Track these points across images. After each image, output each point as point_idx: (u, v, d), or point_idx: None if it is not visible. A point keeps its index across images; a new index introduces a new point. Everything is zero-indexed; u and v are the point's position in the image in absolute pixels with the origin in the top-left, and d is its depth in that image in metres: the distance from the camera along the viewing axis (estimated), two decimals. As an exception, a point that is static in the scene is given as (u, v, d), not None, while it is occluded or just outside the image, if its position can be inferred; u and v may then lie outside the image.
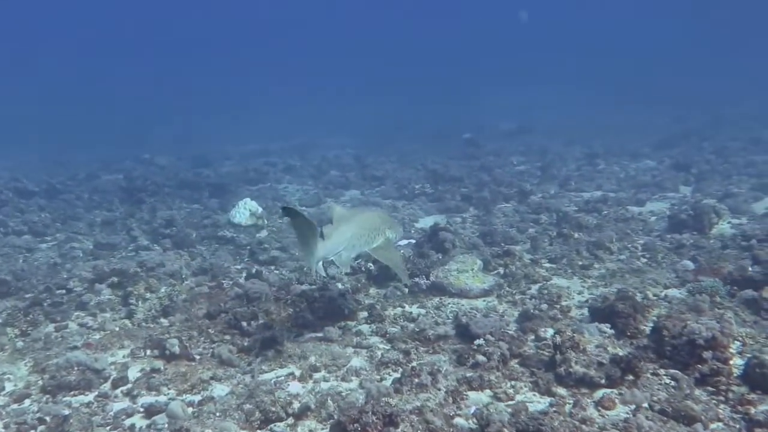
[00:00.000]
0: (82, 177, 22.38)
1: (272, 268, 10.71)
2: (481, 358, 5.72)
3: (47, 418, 5.70)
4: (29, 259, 12.01)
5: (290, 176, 21.58)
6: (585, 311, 7.22)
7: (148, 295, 8.70)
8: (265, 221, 13.95)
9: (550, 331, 6.50)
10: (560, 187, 15.98)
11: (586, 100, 43.29)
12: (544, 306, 6.97)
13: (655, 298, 7.39)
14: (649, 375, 5.17)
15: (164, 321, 8.23)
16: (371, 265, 9.32)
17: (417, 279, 8.57)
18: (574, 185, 15.74)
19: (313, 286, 8.60)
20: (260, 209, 13.95)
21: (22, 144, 36.25)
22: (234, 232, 13.16)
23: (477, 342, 5.98)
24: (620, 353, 5.26)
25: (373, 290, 9.00)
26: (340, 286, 8.55)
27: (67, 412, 5.78)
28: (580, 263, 9.14)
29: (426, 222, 13.52)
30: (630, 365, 5.07)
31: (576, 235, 10.16)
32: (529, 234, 11.33)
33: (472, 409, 5.04)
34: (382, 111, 46.70)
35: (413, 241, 11.21)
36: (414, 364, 6.00)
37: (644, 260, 9.15)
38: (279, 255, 11.06)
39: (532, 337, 6.51)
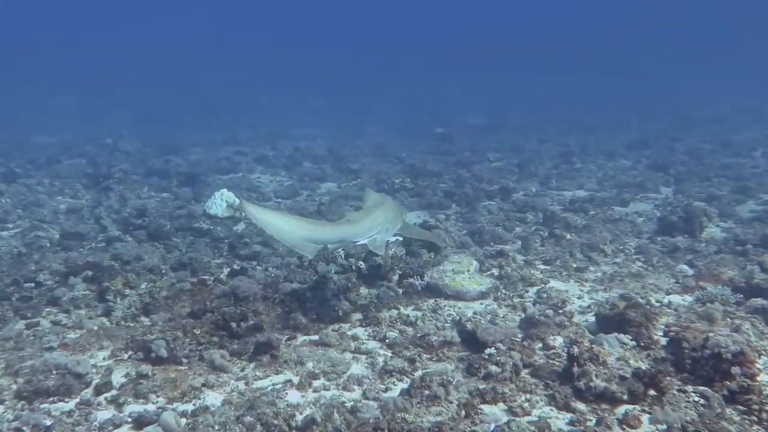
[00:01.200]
0: (43, 161, 21.32)
1: (254, 263, 10.30)
2: (493, 368, 5.49)
3: (26, 429, 5.23)
4: (-11, 249, 11.29)
5: (262, 167, 21.03)
6: (588, 317, 7.08)
7: (127, 291, 8.20)
8: (243, 213, 13.45)
9: (559, 340, 6.32)
10: (541, 185, 15.93)
11: (553, 97, 43.67)
12: (550, 312, 6.78)
13: (658, 304, 7.29)
14: (675, 392, 5.01)
15: (145, 320, 7.76)
16: (361, 263, 9.01)
17: (411, 279, 8.30)
18: (555, 183, 15.69)
19: (304, 285, 8.24)
20: (237, 200, 13.42)
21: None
22: (210, 224, 12.65)
23: (488, 351, 5.73)
24: (643, 367, 5.08)
25: (363, 290, 8.68)
26: (332, 285, 8.21)
27: (48, 422, 5.32)
28: (575, 265, 9.02)
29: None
30: (654, 380, 4.90)
31: (568, 236, 10.05)
32: (517, 233, 11.19)
33: (492, 426, 4.79)
34: (347, 103, 46.31)
35: (400, 238, 10.92)
36: (421, 373, 5.74)
37: (639, 264, 9.07)
38: (261, 250, 10.63)
39: (539, 345, 6.31)
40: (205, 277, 9.34)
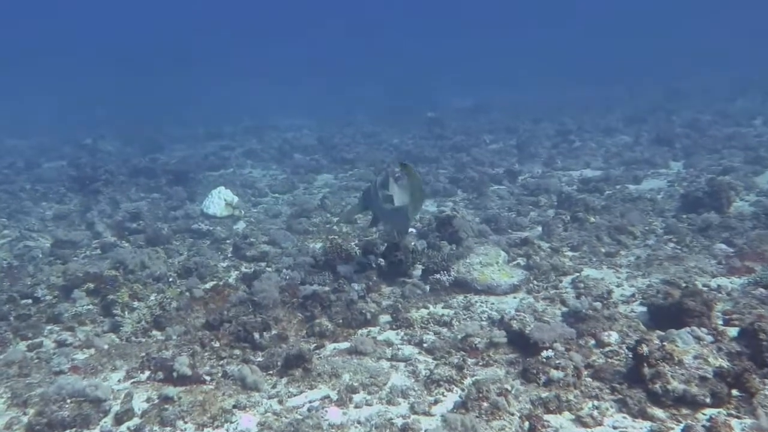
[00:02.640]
0: (22, 165, 20.45)
1: (262, 264, 9.77)
2: (555, 373, 5.04)
3: (44, 471, 4.71)
4: (-23, 262, 10.61)
5: (252, 160, 20.37)
6: (633, 307, 6.68)
7: (135, 303, 7.65)
8: (242, 211, 12.90)
9: (614, 335, 5.91)
10: (545, 165, 15.53)
11: (535, 77, 43.30)
12: (597, 304, 6.36)
13: (706, 289, 6.90)
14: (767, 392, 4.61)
15: (157, 334, 7.22)
16: (381, 260, 8.52)
17: (438, 275, 7.83)
18: (560, 164, 15.30)
19: (325, 288, 7.73)
20: (236, 198, 12.88)
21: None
22: (209, 224, 12.08)
23: (545, 354, 5.29)
24: (725, 365, 4.67)
25: (385, 288, 8.22)
26: (356, 286, 7.71)
27: (70, 461, 4.80)
28: (604, 250, 8.62)
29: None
30: (739, 380, 4.50)
31: (592, 219, 9.63)
32: (534, 218, 10.78)
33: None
34: (329, 91, 45.50)
35: (413, 230, 10.46)
36: (471, 381, 5.30)
37: (672, 245, 8.69)
38: (269, 250, 10.10)
39: (592, 342, 5.89)
40: (216, 283, 8.80)
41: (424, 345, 6.27)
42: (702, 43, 50.90)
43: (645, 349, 4.82)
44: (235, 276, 9.28)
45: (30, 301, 8.15)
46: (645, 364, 4.78)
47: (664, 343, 4.86)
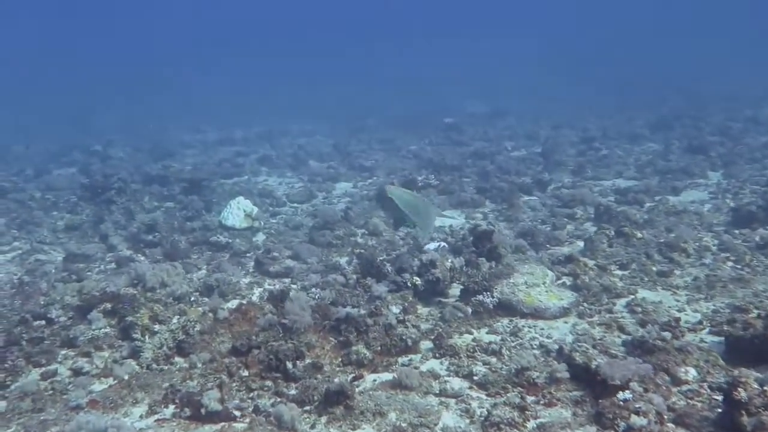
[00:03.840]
0: (31, 173, 20.02)
1: (286, 281, 9.25)
2: (637, 420, 4.44)
3: None
4: (-14, 277, 10.13)
5: (266, 167, 19.87)
6: (701, 335, 6.10)
7: (156, 326, 7.11)
8: (261, 222, 12.38)
9: (692, 372, 5.32)
10: (574, 175, 14.94)
11: (551, 82, 42.69)
12: (666, 334, 5.78)
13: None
14: None
15: (180, 361, 6.68)
16: (417, 279, 7.97)
17: (481, 297, 7.26)
18: (590, 173, 14.70)
19: (362, 311, 7.18)
20: (255, 209, 12.35)
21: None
22: (228, 236, 11.55)
23: (623, 396, 4.71)
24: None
25: (422, 309, 7.68)
26: (395, 309, 7.16)
27: None
28: (655, 269, 8.03)
29: (444, 219, 12.23)
30: None
31: (639, 234, 9.05)
32: (571, 232, 10.21)
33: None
34: (338, 97, 45.01)
35: (443, 244, 9.91)
36: (535, 423, 4.74)
37: (731, 264, 8.09)
38: (294, 265, 9.56)
39: (667, 378, 5.30)
40: (240, 302, 8.26)
41: (475, 378, 5.70)
42: (718, 47, 50.17)
43: (742, 393, 4.24)
44: (258, 294, 8.77)
45: (43, 322, 7.63)
46: (743, 412, 4.20)
47: (766, 388, 4.29)
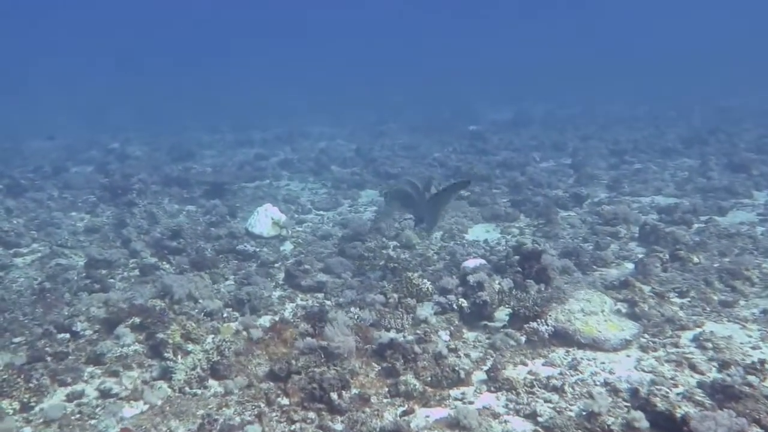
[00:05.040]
0: (49, 170, 19.70)
1: (319, 296, 8.81)
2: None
3: None
4: (5, 281, 9.76)
5: (287, 171, 19.47)
6: (784, 378, 5.59)
7: (189, 346, 6.69)
8: (289, 231, 11.96)
9: (786, 424, 4.82)
10: (610, 189, 14.42)
11: (570, 93, 42.19)
12: (753, 378, 5.28)
13: None
14: None
15: (215, 385, 6.25)
16: (463, 300, 7.51)
17: (535, 324, 6.78)
18: (627, 188, 14.17)
19: (408, 336, 6.73)
20: (283, 217, 11.93)
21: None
22: (256, 244, 11.14)
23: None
24: None
25: (468, 334, 7.21)
26: (445, 336, 6.70)
27: None
28: (717, 298, 7.52)
29: (477, 233, 11.78)
30: None
31: (696, 259, 8.54)
32: (616, 252, 9.72)
33: None
34: (357, 100, 44.70)
35: (483, 261, 9.41)
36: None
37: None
38: (327, 280, 9.11)
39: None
40: (273, 319, 7.84)
41: (539, 419, 5.22)
42: (744, 61, 49.50)
43: None
44: (290, 309, 8.33)
45: (67, 335, 7.24)
46: None
47: None
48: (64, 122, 36.86)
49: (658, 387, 5.26)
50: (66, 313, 7.74)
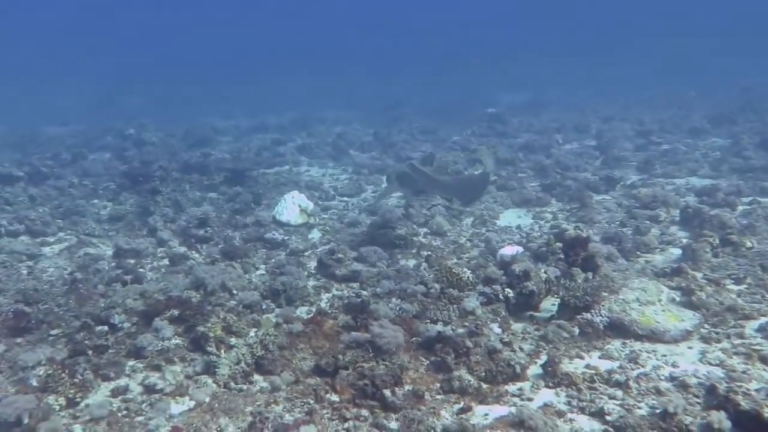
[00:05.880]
0: (68, 157, 19.49)
1: (354, 286, 8.59)
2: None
3: None
4: (36, 272, 9.60)
5: (306, 157, 19.21)
6: None
7: (232, 339, 6.50)
8: (317, 218, 11.73)
9: None
10: (641, 171, 14.09)
11: (584, 73, 41.56)
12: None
13: None
14: None
15: (260, 380, 6.06)
16: (509, 291, 7.27)
17: (589, 315, 6.54)
18: (660, 170, 13.83)
19: (456, 329, 6.51)
20: (310, 204, 11.71)
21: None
22: (284, 232, 10.93)
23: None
24: None
25: (515, 325, 6.98)
26: (496, 328, 6.48)
27: None
28: (774, 285, 7.25)
29: (508, 218, 11.52)
30: None
31: (749, 243, 8.24)
32: (657, 237, 9.43)
33: None
34: (369, 84, 44.22)
35: (521, 249, 9.13)
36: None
37: None
38: (361, 269, 8.88)
39: None
40: (309, 310, 7.66)
41: (608, 418, 4.99)
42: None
43: None
44: (327, 300, 8.13)
45: (105, 328, 7.06)
46: None
47: None
48: (78, 108, 36.59)
49: (738, 383, 5.01)
50: (102, 305, 7.55)
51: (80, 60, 58.87)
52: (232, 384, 5.97)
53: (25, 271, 9.57)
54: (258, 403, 5.62)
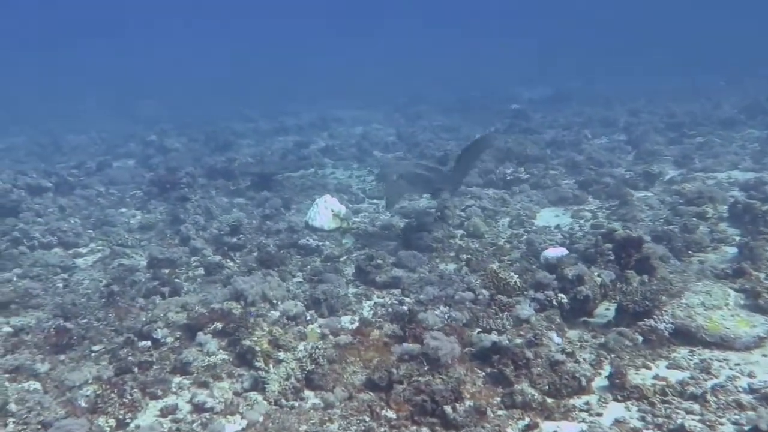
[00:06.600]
0: (93, 166, 19.44)
1: (395, 293, 8.35)
2: None
3: None
4: (71, 284, 9.47)
5: (330, 159, 19.01)
6: None
7: (280, 354, 6.28)
8: (350, 223, 11.51)
9: None
10: (678, 166, 13.70)
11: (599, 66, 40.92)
12: None
13: None
14: None
15: (311, 395, 5.85)
16: (562, 296, 6.99)
17: (652, 321, 6.24)
18: (698, 164, 13.44)
19: (513, 339, 6.24)
20: (343, 209, 11.48)
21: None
22: (318, 238, 10.71)
23: None
24: None
25: (570, 332, 6.71)
26: (556, 338, 6.22)
27: None
28: (839, 287, 6.88)
29: (546, 217, 11.23)
30: None
31: (811, 243, 7.90)
32: (710, 235, 9.09)
33: None
34: (384, 82, 43.79)
35: (565, 251, 8.81)
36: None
37: None
38: (402, 275, 8.64)
39: None
40: (352, 319, 7.43)
41: (685, 436, 4.71)
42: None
43: None
44: (368, 308, 7.91)
45: (148, 343, 6.89)
46: None
47: None
48: (97, 115, 36.67)
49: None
50: (143, 319, 7.39)
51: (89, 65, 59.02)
52: (283, 401, 5.76)
53: (60, 284, 9.45)
54: (312, 421, 5.40)
